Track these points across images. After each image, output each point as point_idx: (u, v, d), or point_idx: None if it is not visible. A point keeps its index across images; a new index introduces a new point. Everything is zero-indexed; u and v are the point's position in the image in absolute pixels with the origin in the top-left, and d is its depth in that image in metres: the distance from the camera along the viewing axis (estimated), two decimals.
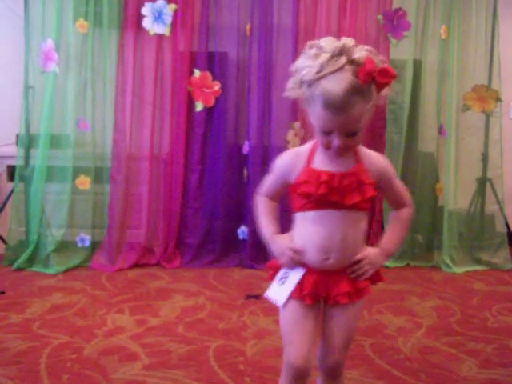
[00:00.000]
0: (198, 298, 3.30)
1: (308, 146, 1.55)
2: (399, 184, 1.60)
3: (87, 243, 3.98)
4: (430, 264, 4.19)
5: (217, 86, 4.02)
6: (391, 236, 1.62)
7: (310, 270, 1.54)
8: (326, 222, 1.50)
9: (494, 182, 4.23)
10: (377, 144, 4.23)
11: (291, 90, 1.43)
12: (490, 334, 2.82)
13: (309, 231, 1.52)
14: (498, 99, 4.18)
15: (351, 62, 1.33)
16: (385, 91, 1.40)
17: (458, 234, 4.22)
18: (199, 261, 4.03)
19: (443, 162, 4.21)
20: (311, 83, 1.35)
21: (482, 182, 4.27)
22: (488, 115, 4.23)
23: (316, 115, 1.38)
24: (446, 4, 4.12)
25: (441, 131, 4.22)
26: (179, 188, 4.04)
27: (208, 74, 4.02)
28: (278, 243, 1.57)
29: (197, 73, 4.01)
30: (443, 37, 4.14)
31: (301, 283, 1.54)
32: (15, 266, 3.75)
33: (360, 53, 1.35)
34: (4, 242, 3.91)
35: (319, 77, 1.33)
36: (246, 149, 4.04)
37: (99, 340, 2.61)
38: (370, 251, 1.56)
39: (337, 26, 4.09)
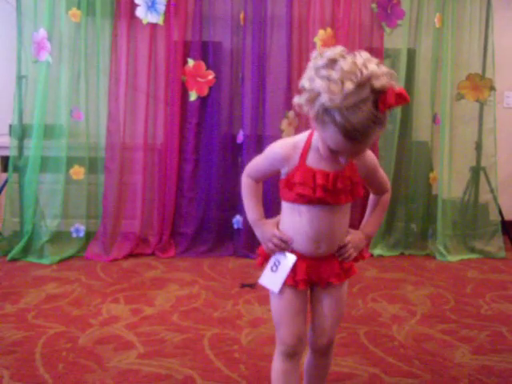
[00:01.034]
0: (192, 287, 3.30)
1: (304, 138, 1.53)
2: (382, 172, 1.66)
3: (82, 233, 3.97)
4: (424, 253, 4.20)
5: (211, 76, 4.01)
6: (372, 220, 1.70)
7: (300, 256, 1.58)
8: (316, 215, 1.54)
9: (488, 171, 4.24)
10: None
11: (300, 106, 1.38)
12: (484, 321, 2.84)
13: (298, 222, 1.56)
14: (492, 88, 4.19)
15: (374, 91, 1.28)
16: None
17: (452, 222, 4.24)
18: (194, 250, 4.03)
19: (437, 151, 4.22)
20: (329, 109, 1.30)
21: (476, 171, 4.28)
22: (482, 104, 4.24)
23: (330, 138, 1.35)
24: None
25: (435, 120, 4.22)
26: (173, 178, 4.04)
27: (202, 63, 4.01)
28: (264, 229, 1.61)
29: (190, 62, 4.00)
30: (437, 25, 4.13)
31: (293, 270, 1.58)
32: (9, 256, 3.74)
33: (382, 80, 1.29)
34: None
35: (341, 106, 1.27)
36: (240, 138, 4.04)
37: (94, 329, 2.62)
38: (354, 236, 1.64)
39: (331, 15, 4.07)
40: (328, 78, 1.29)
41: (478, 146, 4.27)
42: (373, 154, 1.61)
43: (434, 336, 2.63)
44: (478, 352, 2.45)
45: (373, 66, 1.30)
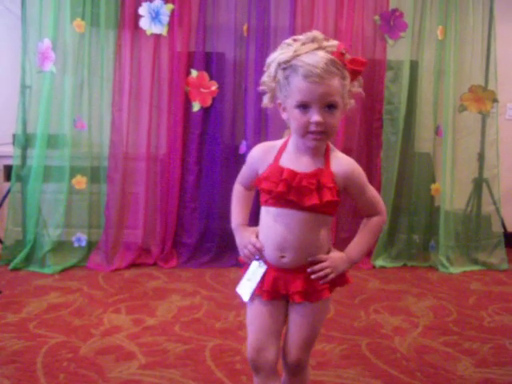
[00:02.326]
0: (194, 297, 3.30)
1: (280, 142, 1.56)
2: (371, 191, 1.58)
3: (84, 243, 3.97)
4: (426, 264, 4.19)
5: (214, 86, 4.02)
6: (358, 244, 1.59)
7: (270, 267, 1.56)
8: (284, 220, 1.50)
9: (491, 183, 4.24)
10: (373, 144, 4.24)
11: (265, 83, 1.48)
12: (486, 333, 2.83)
13: (268, 227, 1.54)
14: (495, 100, 4.19)
15: (323, 48, 1.41)
16: (357, 88, 1.49)
17: (455, 234, 4.22)
18: (196, 261, 4.03)
19: (440, 163, 4.21)
20: (287, 65, 1.40)
21: (479, 183, 4.28)
22: (484, 116, 4.23)
23: (295, 91, 1.41)
24: (442, 4, 4.12)
25: (437, 132, 4.22)
26: (176, 188, 4.04)
27: (205, 74, 4.02)
28: (242, 235, 1.60)
29: (194, 73, 4.01)
30: (440, 37, 4.15)
31: (262, 280, 1.56)
32: (12, 265, 3.74)
33: (330, 42, 1.43)
34: (0, 241, 3.90)
35: (296, 55, 1.39)
36: (242, 149, 4.04)
37: (96, 339, 2.61)
38: (335, 255, 1.56)
39: (334, 27, 4.10)
40: (279, 48, 1.45)
41: (481, 158, 4.27)
42: (362, 171, 1.55)
43: (437, 348, 2.62)
44: (480, 365, 2.44)
45: (317, 33, 1.44)
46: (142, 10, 3.91)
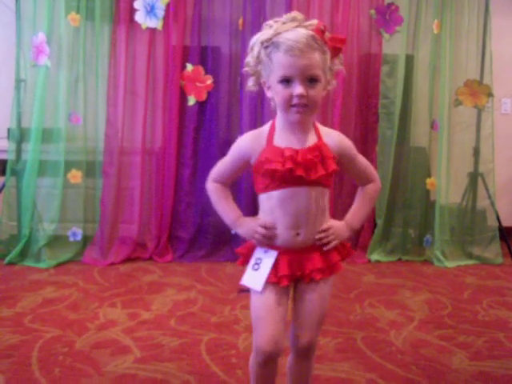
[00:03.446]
0: (190, 291, 3.30)
1: (267, 126, 1.58)
2: (362, 160, 1.65)
3: (79, 237, 3.97)
4: (421, 258, 4.20)
5: (209, 81, 4.02)
6: (356, 211, 1.67)
7: (282, 251, 1.56)
8: (292, 198, 1.52)
9: (486, 177, 4.25)
10: (369, 138, 4.25)
11: (249, 64, 1.52)
12: (481, 327, 2.84)
13: (276, 210, 1.54)
14: (490, 94, 4.20)
15: (303, 26, 1.46)
16: (338, 65, 1.53)
17: (450, 228, 4.24)
18: (191, 255, 4.03)
19: (435, 157, 4.22)
20: (269, 43, 1.46)
21: (474, 177, 4.29)
22: (480, 110, 4.25)
23: (277, 66, 1.45)
24: None
25: (433, 126, 4.23)
26: (171, 182, 4.04)
27: (200, 68, 4.02)
28: (247, 225, 1.59)
29: (189, 67, 4.01)
30: (435, 32, 4.15)
31: (275, 266, 1.55)
32: (7, 260, 3.74)
33: (310, 21, 1.48)
34: None
35: (277, 33, 1.45)
36: None
37: (91, 333, 2.61)
38: (335, 223, 1.61)
39: (329, 21, 4.09)
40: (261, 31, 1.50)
41: (476, 152, 4.28)
42: (351, 142, 1.61)
43: (432, 342, 2.63)
44: (475, 358, 2.45)
45: (298, 14, 1.49)
46: (137, 3, 3.90)
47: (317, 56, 1.44)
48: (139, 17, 3.91)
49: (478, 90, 4.19)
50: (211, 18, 4.05)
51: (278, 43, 1.43)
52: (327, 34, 1.47)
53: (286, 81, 1.44)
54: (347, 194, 4.10)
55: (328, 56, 1.48)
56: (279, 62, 1.44)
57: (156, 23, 3.94)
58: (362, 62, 4.20)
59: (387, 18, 4.14)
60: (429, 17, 4.19)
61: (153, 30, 3.96)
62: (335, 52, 1.50)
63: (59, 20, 3.85)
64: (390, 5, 4.14)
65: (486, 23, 4.20)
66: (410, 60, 4.19)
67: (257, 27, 3.96)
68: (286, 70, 1.43)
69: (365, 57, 4.21)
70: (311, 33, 1.44)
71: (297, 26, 1.45)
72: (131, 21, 3.92)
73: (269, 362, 1.57)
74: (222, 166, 1.65)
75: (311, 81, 1.44)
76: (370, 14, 4.16)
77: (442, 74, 4.16)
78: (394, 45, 4.18)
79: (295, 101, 1.44)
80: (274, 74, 1.46)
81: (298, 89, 1.43)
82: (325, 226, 1.58)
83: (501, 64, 4.37)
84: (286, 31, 1.44)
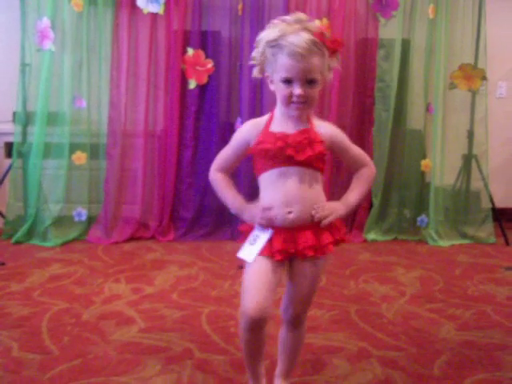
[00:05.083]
0: (191, 268, 3.42)
1: (266, 116, 1.74)
2: (355, 147, 1.79)
3: (84, 217, 4.09)
4: (416, 238, 4.31)
5: (209, 64, 4.11)
6: (352, 192, 1.78)
7: (278, 230, 1.68)
8: (285, 177, 1.67)
9: (480, 159, 4.34)
10: (365, 121, 4.34)
11: (255, 58, 1.67)
12: (470, 301, 2.97)
13: (272, 189, 1.69)
14: (484, 78, 4.28)
15: (305, 28, 1.59)
16: (335, 63, 1.67)
17: (444, 209, 4.34)
18: (193, 234, 4.15)
19: (430, 139, 4.32)
20: (274, 43, 1.59)
21: (468, 159, 4.39)
22: (474, 93, 4.33)
23: (280, 67, 1.60)
24: None
25: (428, 109, 4.32)
26: (173, 164, 4.14)
27: (201, 52, 4.10)
28: (251, 211, 1.72)
29: (190, 51, 4.09)
30: (431, 16, 4.23)
31: (270, 242, 1.68)
32: (14, 239, 3.85)
33: (312, 24, 1.62)
34: (3, 216, 4.01)
35: (282, 35, 1.58)
36: (238, 125, 4.13)
37: (97, 306, 2.74)
38: (332, 203, 1.72)
39: (327, 5, 4.17)
40: (268, 28, 1.64)
41: (470, 135, 4.37)
42: (343, 133, 1.75)
43: (422, 314, 2.75)
44: (462, 329, 2.58)
45: (301, 15, 1.62)
46: None
47: (316, 60, 1.59)
48: (141, 2, 3.99)
49: (473, 74, 4.27)
50: (211, 3, 4.13)
51: (282, 46, 1.58)
52: (328, 35, 1.62)
53: (288, 81, 1.60)
54: (343, 185, 4.17)
55: (327, 57, 1.63)
56: (282, 64, 1.59)
57: (157, 8, 4.02)
58: (359, 46, 4.29)
59: (383, 2, 4.22)
60: (424, 1, 4.25)
61: (154, 15, 4.05)
62: (334, 52, 1.66)
63: (63, 5, 3.92)
64: None
65: (481, 8, 4.26)
66: (405, 44, 4.27)
67: (256, 12, 4.06)
68: (288, 72, 1.59)
69: (361, 41, 4.29)
70: (312, 38, 1.58)
71: (301, 29, 1.58)
72: (133, 6, 4.00)
73: (254, 327, 1.65)
74: (223, 155, 1.80)
75: (310, 82, 1.60)
76: None
77: (437, 58, 4.24)
78: (390, 29, 4.25)
79: (295, 99, 1.61)
80: (277, 73, 1.62)
81: (298, 90, 1.59)
82: (321, 204, 1.69)
83: (495, 48, 4.43)
84: (291, 34, 1.57)
